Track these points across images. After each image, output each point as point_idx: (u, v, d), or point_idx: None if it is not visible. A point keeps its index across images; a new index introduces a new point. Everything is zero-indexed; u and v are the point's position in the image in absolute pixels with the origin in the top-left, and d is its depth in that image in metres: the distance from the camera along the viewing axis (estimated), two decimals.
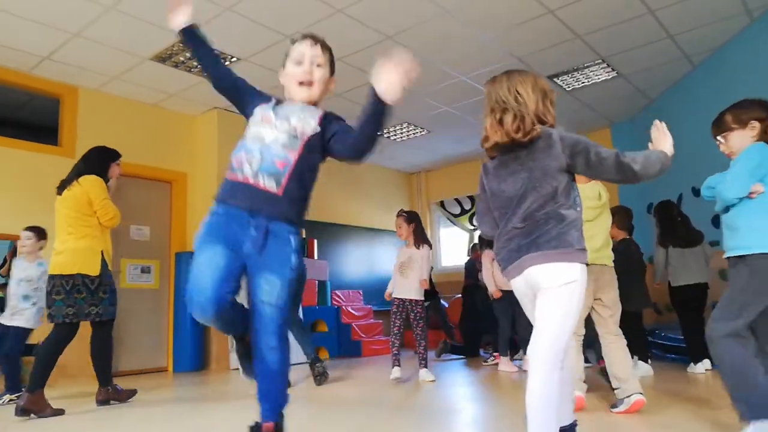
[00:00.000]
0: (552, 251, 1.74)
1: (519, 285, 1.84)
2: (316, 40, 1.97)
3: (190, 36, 1.94)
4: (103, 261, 3.67)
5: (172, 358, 6.13)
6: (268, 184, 1.77)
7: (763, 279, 2.13)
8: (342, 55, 5.31)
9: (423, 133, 7.75)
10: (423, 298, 4.58)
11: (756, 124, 2.25)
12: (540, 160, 1.82)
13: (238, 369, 5.21)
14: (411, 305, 4.51)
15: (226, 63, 5.38)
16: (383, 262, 8.41)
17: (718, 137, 2.36)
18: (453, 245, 9.55)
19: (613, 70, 5.89)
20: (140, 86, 5.88)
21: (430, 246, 4.78)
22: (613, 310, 3.15)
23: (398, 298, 4.55)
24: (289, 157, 1.81)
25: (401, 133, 7.77)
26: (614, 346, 3.05)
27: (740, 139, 2.28)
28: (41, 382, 3.49)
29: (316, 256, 7.29)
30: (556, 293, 1.71)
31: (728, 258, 2.26)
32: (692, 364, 4.44)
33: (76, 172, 3.88)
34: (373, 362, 6.26)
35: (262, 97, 1.94)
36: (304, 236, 7.22)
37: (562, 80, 6.08)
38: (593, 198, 3.18)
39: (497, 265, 4.31)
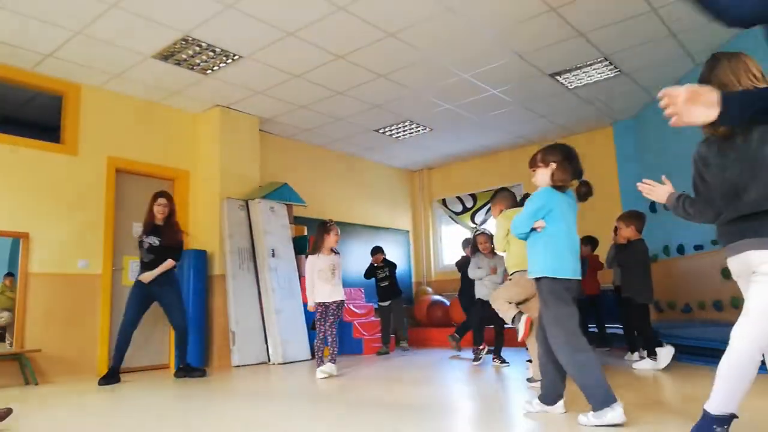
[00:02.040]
0: None
1: (734, 265, 2.00)
2: None
3: None
4: None
5: (173, 355, 6.13)
6: None
7: (548, 296, 2.66)
8: (344, 53, 5.31)
9: (425, 131, 7.74)
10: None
11: (553, 165, 2.75)
12: (758, 150, 1.88)
13: (240, 366, 5.18)
14: (336, 306, 4.92)
15: (228, 61, 5.39)
16: None
17: (531, 170, 2.86)
18: (454, 243, 9.55)
19: (615, 68, 5.88)
20: (143, 84, 5.89)
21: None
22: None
23: (323, 303, 4.90)
24: None
25: (404, 132, 7.77)
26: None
27: (542, 176, 2.79)
28: None
29: None
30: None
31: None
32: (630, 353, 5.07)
33: None
34: (373, 360, 6.28)
35: None
36: (305, 234, 7.23)
37: (564, 78, 6.07)
38: None
39: None
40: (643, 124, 7.22)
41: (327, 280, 4.91)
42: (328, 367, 4.75)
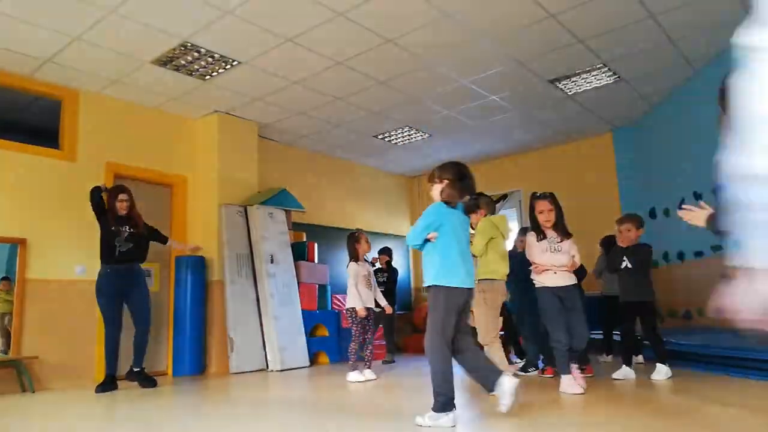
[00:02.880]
0: None
1: None
2: None
3: None
4: None
5: (171, 361, 6.11)
6: None
7: (436, 302, 2.87)
8: (343, 59, 5.31)
9: (424, 137, 7.74)
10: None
11: (446, 182, 2.98)
12: None
13: (238, 373, 5.18)
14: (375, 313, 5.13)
15: (227, 66, 5.39)
16: None
17: (428, 184, 3.10)
18: None
19: (614, 74, 5.89)
20: (141, 89, 5.88)
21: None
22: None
23: (371, 308, 5.04)
24: None
25: (402, 137, 7.77)
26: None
27: (436, 191, 3.01)
28: None
29: (316, 260, 7.27)
30: None
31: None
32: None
33: None
34: (378, 369, 6.24)
35: None
36: (304, 240, 7.21)
37: (563, 84, 6.07)
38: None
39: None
40: (642, 131, 7.22)
41: (369, 287, 5.05)
42: (369, 374, 4.87)
